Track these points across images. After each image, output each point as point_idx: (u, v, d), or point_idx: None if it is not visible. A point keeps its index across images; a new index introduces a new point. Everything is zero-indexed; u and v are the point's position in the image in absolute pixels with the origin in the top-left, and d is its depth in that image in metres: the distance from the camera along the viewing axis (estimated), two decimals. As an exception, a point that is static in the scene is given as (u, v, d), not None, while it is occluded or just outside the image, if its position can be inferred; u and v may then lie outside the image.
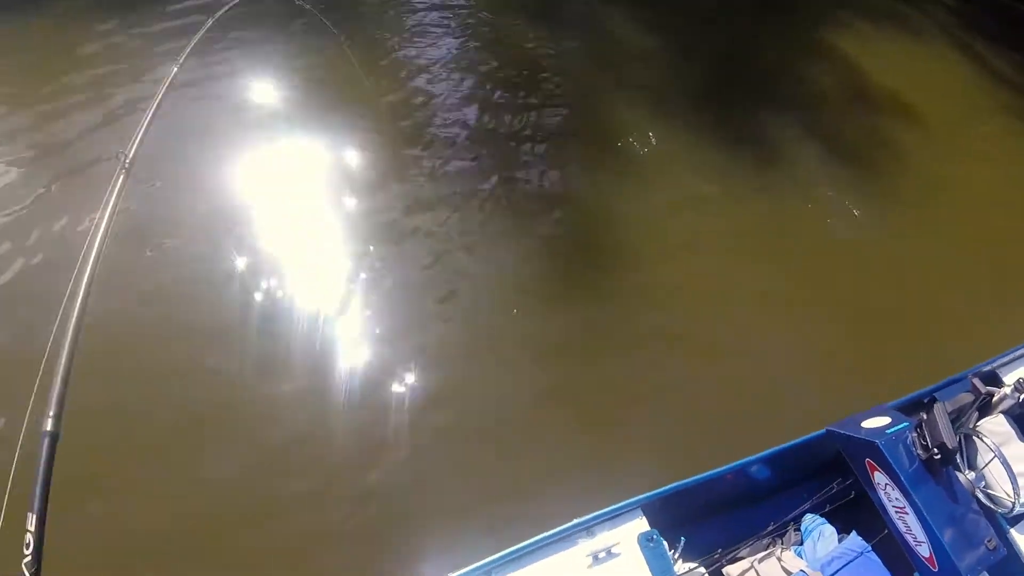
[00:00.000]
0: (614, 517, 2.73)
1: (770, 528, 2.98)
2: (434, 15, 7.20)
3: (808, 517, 3.01)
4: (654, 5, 7.55)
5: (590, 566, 2.62)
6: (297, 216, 4.83)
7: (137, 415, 3.64)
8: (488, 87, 6.23)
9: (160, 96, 2.74)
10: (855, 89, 6.93)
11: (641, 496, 2.76)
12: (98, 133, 5.23)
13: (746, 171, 5.66)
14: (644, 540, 2.67)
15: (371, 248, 4.63)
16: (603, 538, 2.68)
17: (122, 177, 2.25)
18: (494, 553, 2.61)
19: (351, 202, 4.95)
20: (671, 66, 6.76)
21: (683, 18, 7.50)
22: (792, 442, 3.04)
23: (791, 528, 3.02)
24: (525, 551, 2.64)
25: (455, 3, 7.38)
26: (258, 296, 4.29)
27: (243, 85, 5.83)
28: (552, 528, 2.67)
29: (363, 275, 4.48)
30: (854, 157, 6.03)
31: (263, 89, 5.85)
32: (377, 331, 4.18)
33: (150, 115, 2.60)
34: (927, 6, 8.67)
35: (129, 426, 3.60)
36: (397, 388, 3.91)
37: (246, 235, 4.63)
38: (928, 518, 2.63)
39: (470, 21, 7.11)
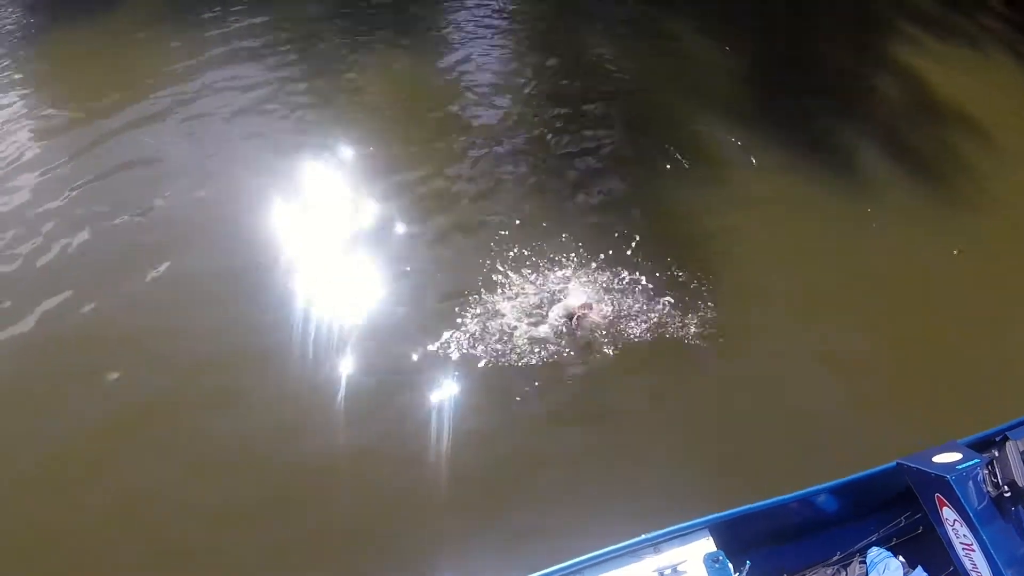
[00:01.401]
0: (681, 535, 2.79)
1: (836, 558, 2.99)
2: (487, 21, 7.61)
3: (874, 550, 3.01)
4: (711, 11, 7.68)
5: None
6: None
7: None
8: (547, 94, 6.45)
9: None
10: (916, 97, 6.88)
11: (709, 517, 2.82)
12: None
13: (810, 175, 5.67)
14: (710, 560, 2.72)
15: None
16: (670, 555, 2.75)
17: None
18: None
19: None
20: (735, 70, 6.85)
21: (741, 22, 7.59)
22: (862, 473, 3.05)
23: (856, 559, 3.01)
24: (592, 563, 2.72)
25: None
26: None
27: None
28: (620, 542, 2.76)
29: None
30: (919, 166, 5.96)
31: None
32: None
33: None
34: (976, 13, 8.51)
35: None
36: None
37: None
38: (995, 556, 2.62)
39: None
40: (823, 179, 5.64)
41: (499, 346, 4.20)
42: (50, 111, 6.96)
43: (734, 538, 2.84)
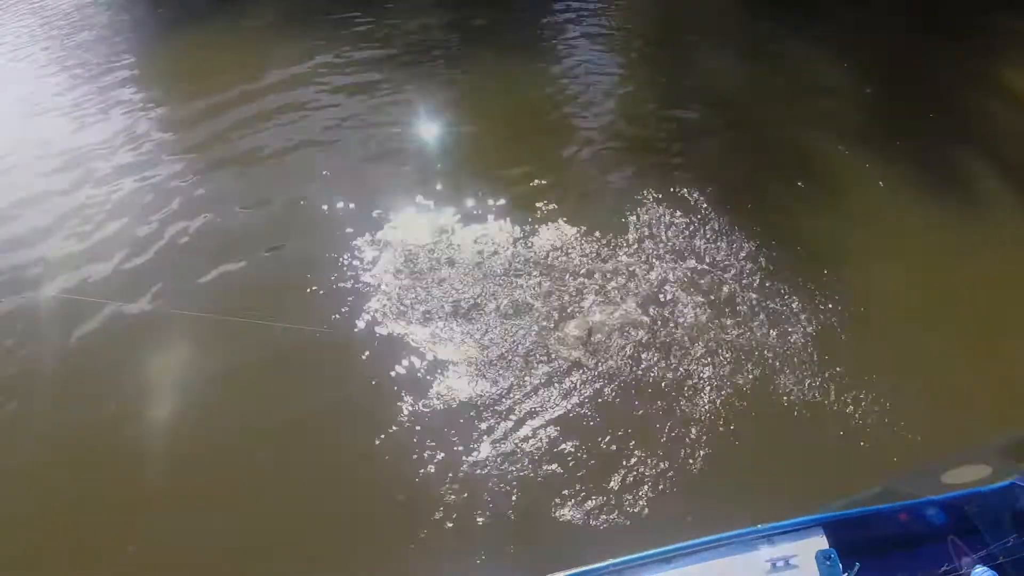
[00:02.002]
0: (796, 530, 2.91)
1: (941, 571, 3.06)
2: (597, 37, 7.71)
3: (979, 567, 3.06)
4: (829, 34, 7.59)
5: (768, 572, 2.83)
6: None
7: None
8: (655, 107, 6.53)
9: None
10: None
11: (824, 515, 2.93)
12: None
13: (934, 208, 5.56)
14: (821, 557, 2.84)
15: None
16: (783, 548, 2.87)
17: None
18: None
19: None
20: (851, 92, 6.79)
21: (858, 48, 7.47)
22: (975, 488, 3.11)
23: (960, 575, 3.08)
24: (708, 546, 2.88)
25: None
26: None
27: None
28: (733, 530, 2.91)
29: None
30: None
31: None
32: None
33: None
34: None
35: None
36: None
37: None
38: None
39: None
40: (949, 206, 5.53)
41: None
42: (170, 102, 7.57)
43: (846, 539, 2.94)
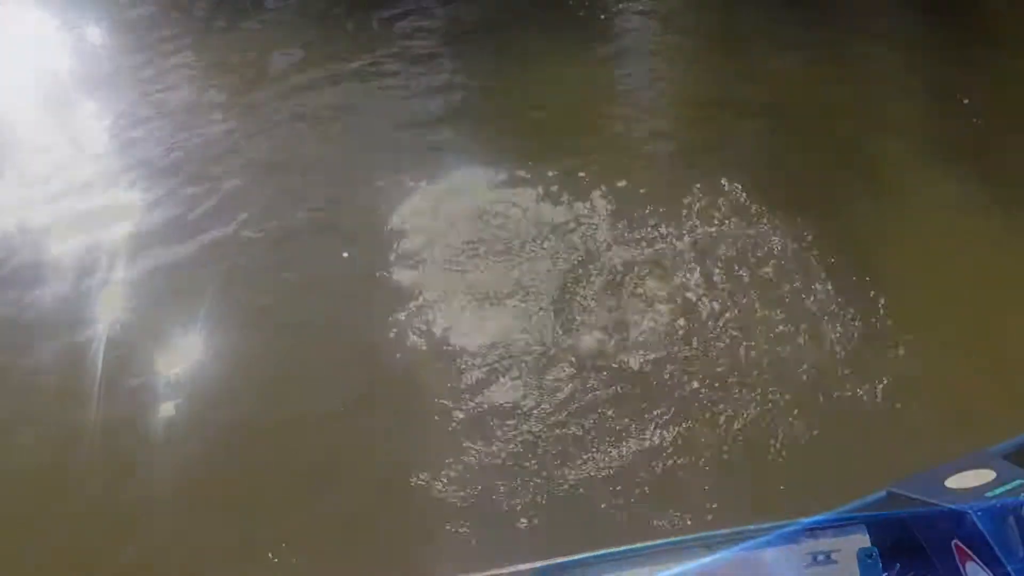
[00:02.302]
0: (838, 526, 2.90)
1: None
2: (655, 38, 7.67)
3: None
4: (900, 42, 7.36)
5: (808, 565, 2.83)
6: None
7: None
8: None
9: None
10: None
11: (867, 513, 2.92)
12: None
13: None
14: (863, 555, 2.83)
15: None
16: (825, 543, 2.86)
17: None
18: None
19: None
20: (902, 95, 6.52)
21: (902, 47, 7.20)
22: (1017, 499, 3.06)
23: None
24: (749, 535, 2.88)
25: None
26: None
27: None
28: (775, 522, 2.91)
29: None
30: None
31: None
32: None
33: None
34: None
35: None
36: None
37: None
38: None
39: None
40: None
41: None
42: (229, 73, 7.57)
43: (887, 538, 2.93)
